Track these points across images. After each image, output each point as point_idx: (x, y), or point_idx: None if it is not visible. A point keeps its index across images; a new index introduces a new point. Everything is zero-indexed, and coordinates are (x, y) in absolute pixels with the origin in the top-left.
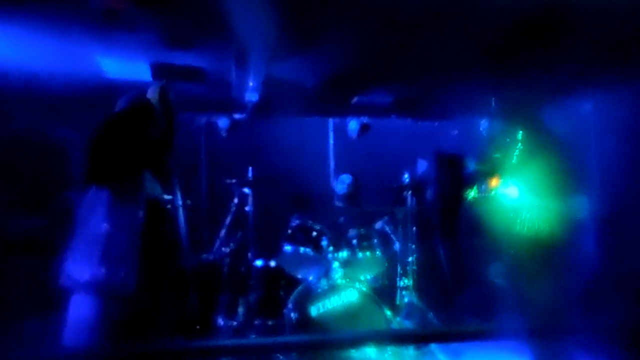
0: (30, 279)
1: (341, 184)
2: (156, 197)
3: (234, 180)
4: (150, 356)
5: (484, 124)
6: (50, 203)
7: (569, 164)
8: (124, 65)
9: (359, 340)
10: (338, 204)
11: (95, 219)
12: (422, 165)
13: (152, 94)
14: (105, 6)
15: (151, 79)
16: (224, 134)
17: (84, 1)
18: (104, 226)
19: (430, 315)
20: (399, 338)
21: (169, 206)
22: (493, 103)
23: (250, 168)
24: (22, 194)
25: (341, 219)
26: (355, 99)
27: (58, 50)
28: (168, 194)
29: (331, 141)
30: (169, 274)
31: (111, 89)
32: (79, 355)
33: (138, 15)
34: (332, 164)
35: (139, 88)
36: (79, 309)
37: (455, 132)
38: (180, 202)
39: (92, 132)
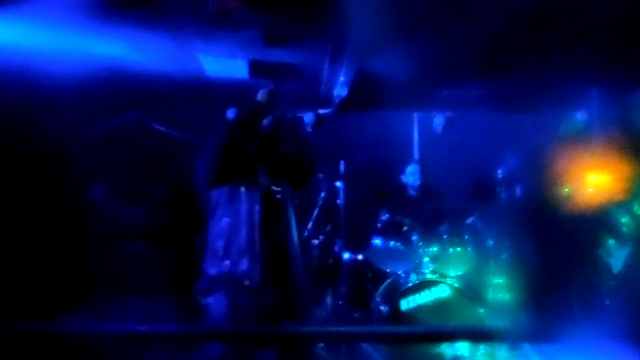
0: (137, 262)
1: (412, 175)
2: (270, 190)
3: (321, 175)
4: (242, 337)
5: (580, 115)
6: (151, 194)
7: None
8: (224, 64)
9: (449, 335)
10: (414, 194)
11: (218, 215)
12: (512, 161)
13: (261, 97)
14: (219, 7)
15: (248, 77)
16: (309, 129)
17: (196, 3)
18: (225, 220)
19: (523, 315)
20: (490, 335)
21: (279, 196)
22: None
23: (342, 162)
24: (129, 186)
25: (429, 214)
26: (444, 92)
27: (165, 50)
28: (278, 186)
29: (416, 136)
30: (289, 264)
31: (211, 87)
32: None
33: (246, 14)
34: (416, 158)
35: (246, 97)
36: (215, 303)
37: (548, 126)
38: (288, 193)
39: (213, 137)
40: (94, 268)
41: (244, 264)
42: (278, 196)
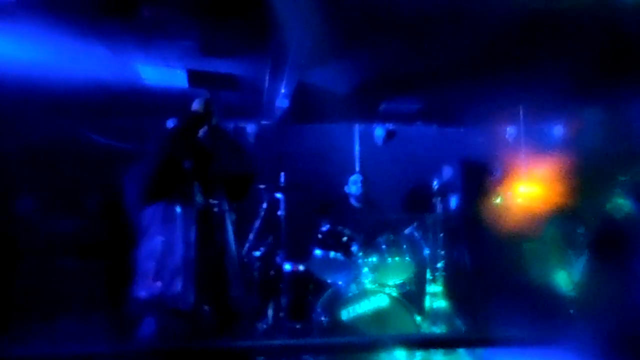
0: (70, 277)
1: (354, 184)
2: (207, 206)
3: (262, 186)
4: (188, 355)
5: (510, 130)
6: (85, 205)
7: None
8: (162, 73)
9: (387, 344)
10: (356, 205)
11: (150, 234)
12: (448, 172)
13: (197, 106)
14: (152, 16)
15: (187, 86)
16: (251, 140)
17: (132, 12)
18: (158, 239)
19: (459, 322)
20: (428, 342)
21: (216, 210)
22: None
23: (282, 173)
24: (60, 196)
25: (369, 225)
26: (382, 106)
27: (101, 58)
28: (214, 200)
29: (357, 147)
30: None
31: (150, 96)
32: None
33: (180, 24)
34: (358, 169)
35: (185, 106)
36: (143, 331)
37: (481, 139)
38: (226, 207)
39: (145, 151)
40: (21, 285)
41: (177, 286)
42: (215, 210)
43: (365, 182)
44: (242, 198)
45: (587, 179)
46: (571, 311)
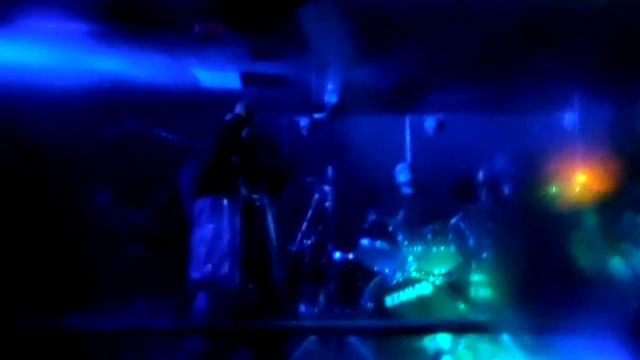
0: (139, 263)
1: (402, 172)
2: (250, 198)
3: (313, 178)
4: (242, 333)
5: (567, 117)
6: (154, 198)
7: None
8: (217, 75)
9: (430, 328)
10: (407, 192)
11: (201, 222)
12: (500, 161)
13: (239, 110)
14: (203, 31)
15: (240, 87)
16: (305, 133)
17: (186, 26)
18: (209, 227)
19: (505, 310)
20: (470, 327)
21: (257, 203)
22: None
23: (329, 167)
24: (132, 190)
25: (416, 214)
26: (431, 96)
27: (162, 64)
28: (256, 194)
29: (408, 138)
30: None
31: (206, 96)
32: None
33: (230, 35)
34: (409, 160)
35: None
36: (196, 306)
37: (537, 126)
38: (266, 201)
39: (196, 150)
40: (96, 270)
41: (225, 268)
42: (257, 203)
43: (413, 169)
44: (279, 193)
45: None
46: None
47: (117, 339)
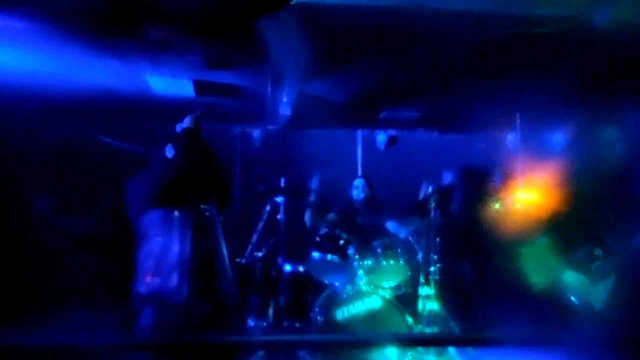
0: (81, 274)
1: (355, 189)
2: (200, 210)
3: (264, 188)
4: (190, 348)
5: (510, 137)
6: (97, 206)
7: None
8: (170, 83)
9: (379, 342)
10: (359, 208)
11: (150, 235)
12: (448, 178)
13: (189, 122)
14: (158, 37)
15: (194, 95)
16: (258, 144)
17: (141, 32)
18: (158, 240)
19: (452, 324)
20: (418, 341)
21: (207, 214)
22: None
23: (282, 178)
24: (75, 197)
25: (366, 227)
26: (383, 114)
27: (112, 69)
28: (205, 205)
29: (359, 152)
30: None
31: (156, 104)
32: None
33: (185, 43)
34: (360, 174)
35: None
36: (142, 321)
37: (482, 145)
38: (215, 212)
39: (151, 156)
40: (37, 280)
41: (173, 281)
42: (207, 214)
43: (367, 186)
44: (225, 205)
45: (587, 189)
46: (569, 316)
47: (57, 356)
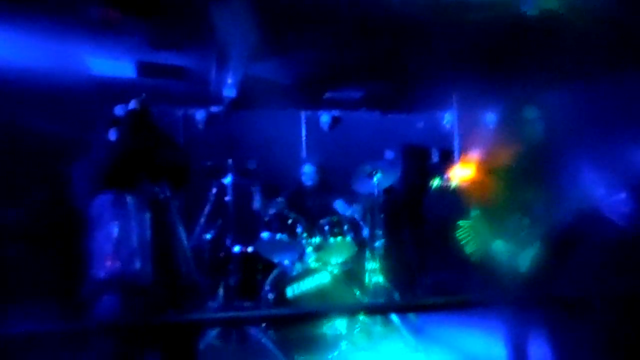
0: (17, 265)
1: (304, 175)
2: (154, 193)
3: (211, 165)
4: (147, 329)
5: (447, 117)
6: (31, 195)
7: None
8: (111, 64)
9: (327, 313)
10: (308, 192)
11: (104, 221)
12: (390, 156)
13: (135, 105)
14: (100, 16)
15: (136, 76)
16: (201, 127)
17: (79, 9)
18: (114, 225)
19: (396, 295)
20: (366, 309)
21: (161, 196)
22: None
23: (229, 160)
24: (5, 186)
25: (315, 207)
26: (327, 94)
27: (49, 50)
28: (158, 188)
29: (304, 133)
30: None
31: (95, 85)
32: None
33: (127, 22)
34: (304, 154)
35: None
36: (103, 305)
37: (421, 124)
38: (169, 194)
39: (93, 141)
40: None
41: (135, 265)
42: (161, 196)
43: (317, 173)
44: (181, 187)
45: (515, 164)
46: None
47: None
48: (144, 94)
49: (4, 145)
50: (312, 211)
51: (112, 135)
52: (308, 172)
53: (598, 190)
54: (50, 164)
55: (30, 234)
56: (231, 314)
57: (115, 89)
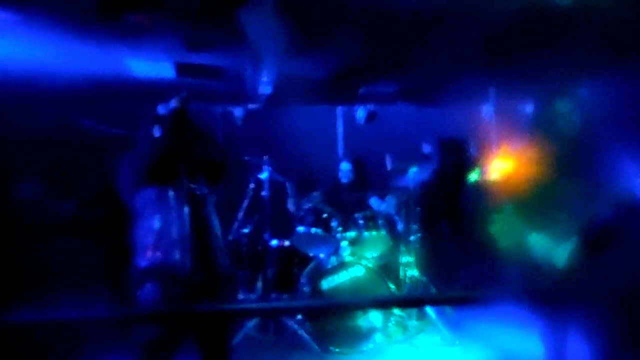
0: (70, 255)
1: (341, 172)
2: (193, 189)
3: (249, 167)
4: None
5: (485, 109)
6: (82, 189)
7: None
8: (150, 65)
9: (363, 305)
10: (345, 189)
11: (147, 214)
12: (426, 149)
13: (175, 103)
14: (137, 22)
15: (174, 77)
16: (239, 123)
17: (119, 15)
18: (156, 218)
19: (432, 289)
20: (400, 302)
21: (197, 193)
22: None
23: (265, 156)
24: (59, 181)
25: (350, 202)
26: (361, 89)
27: (91, 53)
28: (195, 184)
29: (340, 128)
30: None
31: (137, 86)
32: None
33: (163, 25)
34: (340, 149)
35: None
36: (145, 294)
37: (458, 117)
38: (206, 191)
39: (137, 137)
40: (24, 264)
41: (175, 255)
42: (198, 193)
43: (353, 171)
44: (218, 183)
45: (553, 157)
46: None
47: (59, 332)
48: (184, 93)
49: (57, 144)
50: (347, 206)
51: (156, 131)
52: (345, 170)
53: (637, 183)
54: (99, 160)
55: (81, 226)
56: (268, 304)
57: (156, 89)
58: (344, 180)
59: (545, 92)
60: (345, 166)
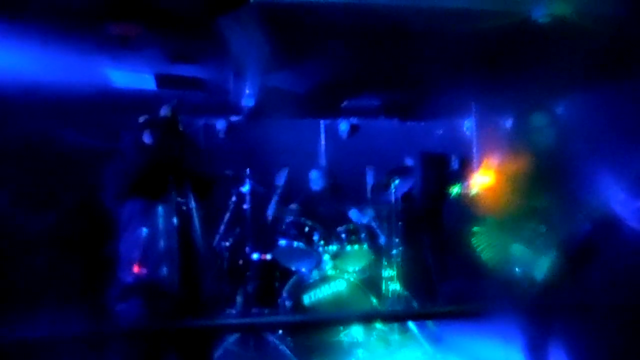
0: (46, 270)
1: (311, 181)
2: (180, 202)
3: (232, 174)
4: (166, 334)
5: (467, 124)
6: (59, 202)
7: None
8: (130, 76)
9: (347, 320)
10: (322, 195)
11: (133, 226)
12: (409, 163)
13: (165, 112)
14: (119, 32)
15: (155, 88)
16: (221, 136)
17: (100, 26)
18: (142, 231)
19: (414, 303)
20: (382, 317)
21: (184, 208)
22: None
23: (247, 169)
24: (34, 193)
25: (329, 215)
26: (344, 103)
27: (71, 64)
28: (183, 197)
29: (322, 141)
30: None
31: (118, 98)
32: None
33: (146, 37)
34: (323, 163)
35: (151, 112)
36: (129, 310)
37: (440, 132)
38: (193, 205)
39: (123, 155)
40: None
41: (163, 271)
42: (184, 207)
43: (323, 177)
44: (206, 197)
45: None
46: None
47: (37, 351)
48: (175, 100)
49: (34, 156)
50: (326, 218)
51: (147, 138)
52: (314, 178)
53: (616, 197)
54: (77, 172)
55: (58, 240)
56: (249, 320)
57: (137, 101)
58: (315, 187)
59: (525, 107)
60: (314, 174)
